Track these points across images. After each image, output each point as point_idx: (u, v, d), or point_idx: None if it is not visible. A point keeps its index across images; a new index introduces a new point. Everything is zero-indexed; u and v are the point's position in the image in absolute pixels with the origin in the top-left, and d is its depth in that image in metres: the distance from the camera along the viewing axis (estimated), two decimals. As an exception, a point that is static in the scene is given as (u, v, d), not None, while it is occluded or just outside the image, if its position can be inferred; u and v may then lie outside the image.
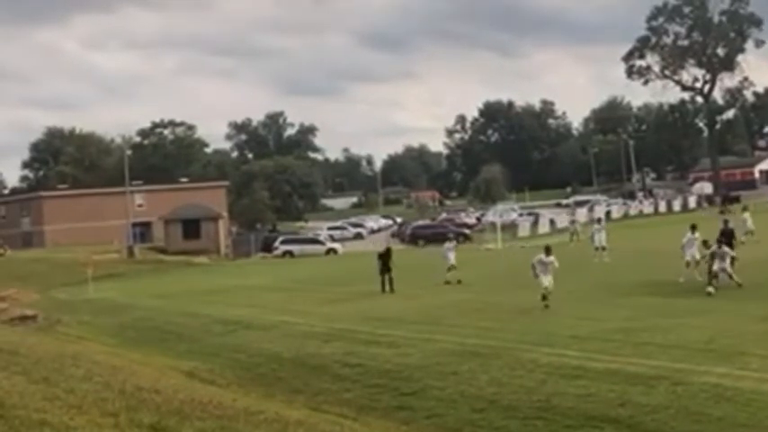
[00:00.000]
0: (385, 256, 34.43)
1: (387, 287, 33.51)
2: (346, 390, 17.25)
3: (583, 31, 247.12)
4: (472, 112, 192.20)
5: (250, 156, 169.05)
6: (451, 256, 36.09)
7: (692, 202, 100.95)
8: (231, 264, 69.88)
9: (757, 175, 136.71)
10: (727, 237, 32.30)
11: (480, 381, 16.79)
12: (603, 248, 41.47)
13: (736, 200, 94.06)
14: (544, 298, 25.38)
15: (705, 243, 28.03)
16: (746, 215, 47.07)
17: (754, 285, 26.82)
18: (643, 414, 13.58)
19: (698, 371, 16.00)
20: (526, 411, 14.36)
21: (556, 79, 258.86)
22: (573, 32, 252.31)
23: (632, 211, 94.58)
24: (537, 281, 26.04)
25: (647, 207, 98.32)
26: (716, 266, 26.39)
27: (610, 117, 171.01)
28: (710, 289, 25.67)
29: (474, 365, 18.16)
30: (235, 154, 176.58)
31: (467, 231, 72.99)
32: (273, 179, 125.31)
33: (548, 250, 26.42)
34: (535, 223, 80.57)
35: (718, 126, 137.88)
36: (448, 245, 37.42)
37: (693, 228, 30.08)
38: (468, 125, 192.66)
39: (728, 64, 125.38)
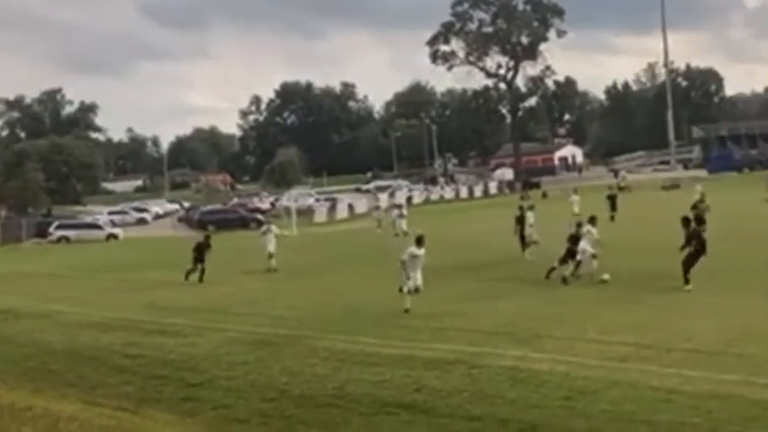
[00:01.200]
0: (203, 245, 33.45)
1: (191, 276, 32.69)
2: (126, 382, 16.86)
3: (386, 14, 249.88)
4: (268, 93, 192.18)
5: (23, 135, 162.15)
6: (269, 242, 35.80)
7: (493, 187, 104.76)
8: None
9: (557, 161, 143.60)
10: (522, 224, 33.77)
11: (272, 370, 16.89)
12: (405, 234, 42.36)
13: (536, 186, 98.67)
14: (406, 311, 22.04)
15: (592, 220, 27.78)
16: (575, 198, 49.35)
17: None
18: (438, 398, 14.05)
19: (494, 354, 16.75)
20: (319, 399, 14.55)
21: (358, 62, 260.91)
22: (376, 15, 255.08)
23: (434, 197, 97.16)
24: (407, 281, 22.41)
25: (449, 193, 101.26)
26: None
27: (413, 101, 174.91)
28: (606, 276, 24.90)
29: (265, 354, 18.28)
30: (5, 132, 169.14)
31: (260, 217, 72.78)
32: (49, 160, 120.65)
33: (419, 241, 22.97)
34: (333, 208, 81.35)
35: (520, 113, 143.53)
36: (265, 228, 37.17)
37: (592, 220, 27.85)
38: (263, 106, 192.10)
39: (531, 52, 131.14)
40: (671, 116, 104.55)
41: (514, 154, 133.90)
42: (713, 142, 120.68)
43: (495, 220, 46.87)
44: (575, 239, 26.29)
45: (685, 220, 24.33)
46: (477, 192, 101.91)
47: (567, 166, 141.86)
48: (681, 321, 18.79)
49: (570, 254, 26.04)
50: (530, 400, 13.56)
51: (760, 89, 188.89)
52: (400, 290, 22.58)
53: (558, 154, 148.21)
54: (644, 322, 18.98)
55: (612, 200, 47.89)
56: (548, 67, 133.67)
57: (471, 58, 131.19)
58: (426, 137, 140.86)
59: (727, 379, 14.01)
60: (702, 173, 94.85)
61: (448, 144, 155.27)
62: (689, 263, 22.89)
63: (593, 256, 25.64)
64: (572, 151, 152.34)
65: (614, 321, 19.34)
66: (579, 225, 27.13)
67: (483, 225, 50.65)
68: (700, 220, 26.18)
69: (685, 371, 14.65)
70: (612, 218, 44.42)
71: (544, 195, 77.28)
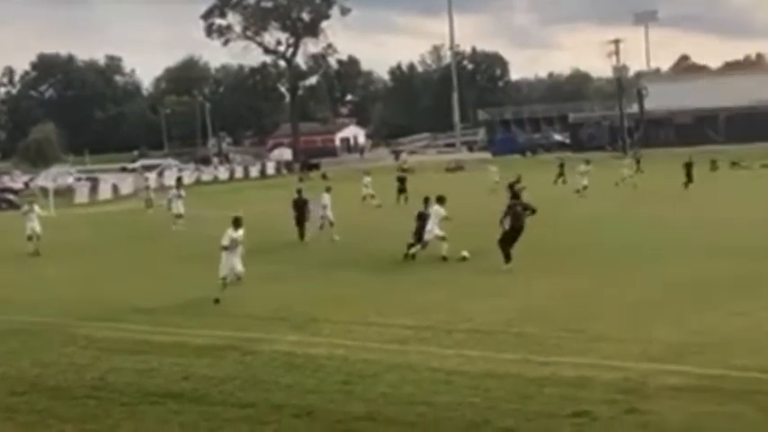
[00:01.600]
0: None
1: None
2: None
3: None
4: (24, 65, 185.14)
5: None
6: (30, 223, 34.44)
7: (270, 168, 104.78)
8: None
9: (338, 142, 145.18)
10: (298, 208, 33.82)
11: (22, 361, 16.36)
12: (180, 216, 41.84)
13: (316, 167, 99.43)
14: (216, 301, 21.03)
15: (440, 200, 27.24)
16: (367, 179, 50.94)
17: (337, 249, 28.45)
18: (210, 386, 13.96)
19: (269, 339, 16.83)
20: (76, 391, 14.16)
21: (125, 34, 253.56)
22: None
23: (206, 177, 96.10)
24: (225, 265, 21.43)
25: (223, 173, 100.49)
26: None
27: (185, 77, 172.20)
28: (465, 253, 25.57)
29: (15, 345, 17.77)
30: None
31: (11, 197, 69.89)
32: None
33: (237, 222, 21.72)
34: (95, 189, 79.10)
35: (300, 91, 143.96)
36: (26, 209, 35.71)
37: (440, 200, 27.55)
38: (17, 79, 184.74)
39: (313, 29, 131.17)
40: (456, 98, 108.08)
41: (293, 134, 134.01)
42: (497, 125, 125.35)
43: (272, 202, 46.97)
44: (422, 218, 26.96)
45: (510, 187, 26.77)
46: (254, 172, 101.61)
47: (349, 147, 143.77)
48: (463, 302, 19.42)
49: (419, 232, 26.73)
50: (306, 386, 13.65)
51: (543, 74, 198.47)
52: (224, 281, 21.30)
53: (340, 135, 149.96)
54: (427, 304, 19.48)
55: (402, 181, 49.84)
56: (330, 46, 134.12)
57: (249, 33, 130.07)
58: (199, 114, 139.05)
59: (505, 358, 14.57)
60: (487, 155, 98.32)
61: (222, 122, 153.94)
62: (506, 241, 23.68)
63: (443, 239, 26.08)
64: (354, 132, 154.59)
65: (396, 304, 19.78)
66: (426, 201, 27.74)
67: (259, 207, 50.38)
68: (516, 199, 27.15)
69: (465, 351, 15.13)
70: (405, 199, 47.19)
71: (324, 177, 77.67)
